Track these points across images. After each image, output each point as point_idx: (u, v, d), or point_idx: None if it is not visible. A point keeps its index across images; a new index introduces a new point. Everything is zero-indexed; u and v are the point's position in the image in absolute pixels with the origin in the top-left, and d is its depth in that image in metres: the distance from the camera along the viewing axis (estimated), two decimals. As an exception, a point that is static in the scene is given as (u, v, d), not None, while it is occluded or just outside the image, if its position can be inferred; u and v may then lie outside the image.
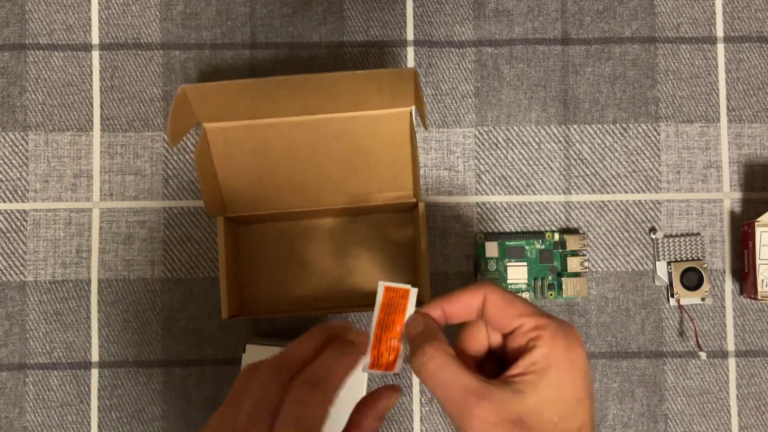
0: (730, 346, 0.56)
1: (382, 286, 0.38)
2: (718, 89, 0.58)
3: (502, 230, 0.57)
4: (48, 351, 0.56)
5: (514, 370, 0.35)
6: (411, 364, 0.36)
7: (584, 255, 0.56)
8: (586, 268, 0.56)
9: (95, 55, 0.58)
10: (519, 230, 0.57)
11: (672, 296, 0.56)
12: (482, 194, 0.57)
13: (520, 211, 0.57)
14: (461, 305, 0.37)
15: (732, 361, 0.56)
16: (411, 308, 0.38)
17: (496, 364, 0.39)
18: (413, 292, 0.38)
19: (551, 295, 0.56)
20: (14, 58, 0.58)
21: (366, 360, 0.37)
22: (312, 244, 0.56)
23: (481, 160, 0.57)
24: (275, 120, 0.51)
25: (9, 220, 0.57)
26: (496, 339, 0.38)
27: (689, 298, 0.55)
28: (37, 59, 0.58)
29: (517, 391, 0.34)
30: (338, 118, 0.51)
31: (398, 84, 0.47)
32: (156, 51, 0.58)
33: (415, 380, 0.56)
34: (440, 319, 0.38)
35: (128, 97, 0.58)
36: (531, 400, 0.34)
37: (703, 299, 0.55)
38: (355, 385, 0.51)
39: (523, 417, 0.34)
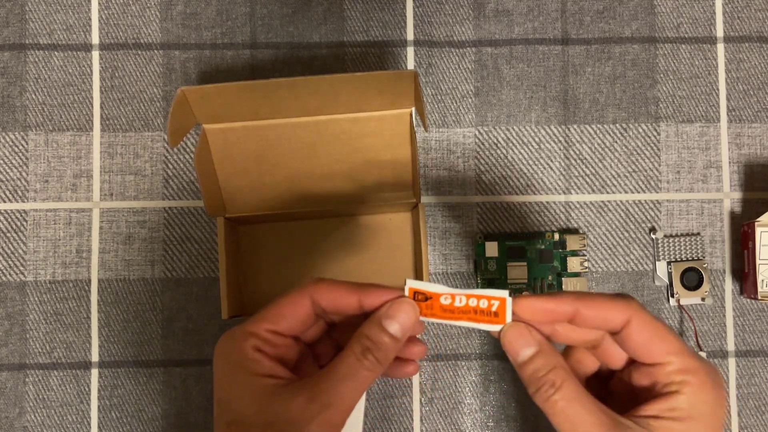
0: (730, 346, 0.56)
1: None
2: (718, 89, 0.58)
3: (502, 230, 0.57)
4: (48, 351, 0.56)
5: (648, 410, 0.32)
6: (531, 393, 0.33)
7: (584, 255, 0.56)
8: (586, 268, 0.56)
9: (95, 55, 0.58)
10: (519, 230, 0.57)
11: (672, 296, 0.56)
12: (482, 194, 0.57)
13: (520, 211, 0.57)
14: (600, 315, 0.33)
15: (732, 361, 0.56)
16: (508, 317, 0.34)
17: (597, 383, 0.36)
18: (508, 304, 0.34)
19: (551, 295, 0.55)
20: (14, 58, 0.58)
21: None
22: (312, 244, 0.56)
23: (481, 160, 0.57)
24: (275, 121, 0.51)
25: (9, 220, 0.57)
26: (618, 362, 0.35)
27: (689, 298, 0.55)
28: (37, 59, 0.58)
29: None
30: (338, 119, 0.51)
31: (398, 86, 0.47)
32: (156, 51, 0.58)
33: (415, 379, 0.56)
34: (565, 315, 0.33)
35: (128, 97, 0.58)
36: None
37: (703, 299, 0.55)
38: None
39: None
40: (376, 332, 0.35)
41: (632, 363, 0.35)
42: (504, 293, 0.34)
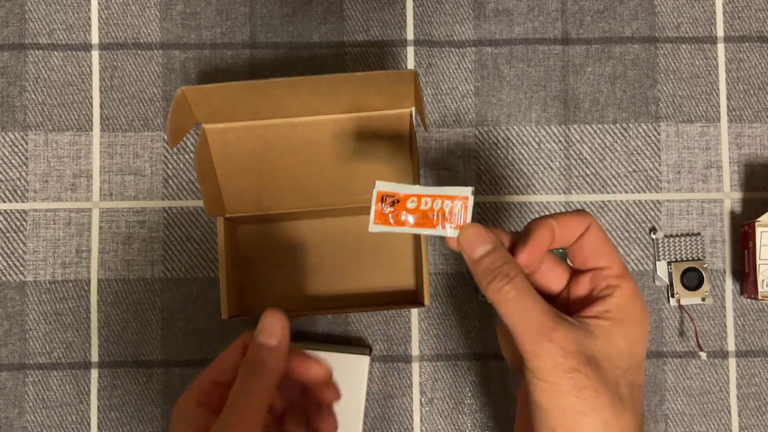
0: (731, 346, 0.56)
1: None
2: (718, 89, 0.58)
3: (501, 230, 0.57)
4: (48, 351, 0.56)
5: (587, 312, 0.35)
6: (484, 286, 0.35)
7: (584, 255, 0.56)
8: (586, 268, 0.56)
9: (95, 54, 0.58)
10: (519, 230, 0.57)
11: (672, 296, 0.56)
12: (482, 194, 0.57)
13: (520, 211, 0.57)
14: (569, 230, 0.36)
15: (732, 361, 0.56)
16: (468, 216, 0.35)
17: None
18: (470, 202, 0.35)
19: (551, 295, 0.55)
20: (14, 58, 0.58)
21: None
22: (312, 244, 0.56)
23: (481, 160, 0.57)
24: (275, 121, 0.51)
25: (9, 220, 0.57)
26: (555, 284, 0.38)
27: (689, 298, 0.55)
28: (36, 59, 0.58)
29: (590, 332, 0.35)
30: (338, 119, 0.50)
31: (398, 85, 0.47)
32: (156, 51, 0.58)
33: (415, 380, 0.56)
34: (551, 242, 0.36)
35: (128, 97, 0.58)
36: (603, 344, 0.35)
37: (703, 299, 0.55)
38: (357, 371, 0.51)
39: (596, 356, 0.34)
40: (251, 348, 0.37)
41: (569, 281, 0.38)
42: (467, 191, 0.35)
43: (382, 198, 0.36)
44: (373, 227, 0.36)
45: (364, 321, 0.56)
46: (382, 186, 0.36)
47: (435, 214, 0.35)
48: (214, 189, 0.51)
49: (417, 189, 0.35)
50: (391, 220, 0.36)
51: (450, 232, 0.35)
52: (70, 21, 0.58)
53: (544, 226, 0.36)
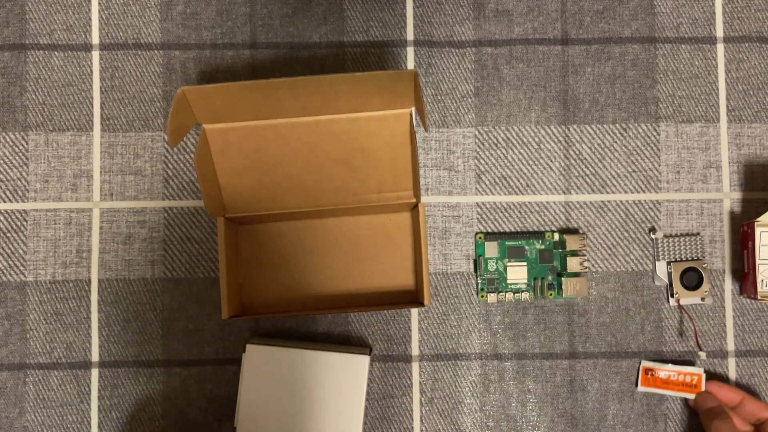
0: (730, 346, 0.56)
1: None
2: (717, 89, 0.58)
3: (502, 230, 0.57)
4: (48, 351, 0.56)
5: None
6: (710, 425, 0.51)
7: (584, 255, 0.56)
8: (585, 268, 0.56)
9: (95, 55, 0.58)
10: (519, 230, 0.57)
11: (672, 296, 0.56)
12: (482, 194, 0.57)
13: (520, 211, 0.57)
14: (756, 410, 0.53)
15: (732, 361, 0.56)
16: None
17: None
18: (703, 378, 0.54)
19: (551, 295, 0.56)
20: (14, 58, 0.58)
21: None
22: (312, 244, 0.56)
23: (481, 160, 0.57)
24: (275, 121, 0.51)
25: (9, 220, 0.57)
26: None
27: (689, 298, 0.55)
28: (37, 59, 0.58)
29: None
30: (338, 119, 0.51)
31: (398, 85, 0.47)
32: (156, 51, 0.58)
33: (415, 380, 0.56)
34: (735, 401, 0.53)
35: (128, 97, 0.58)
36: None
37: (702, 299, 0.55)
38: (357, 371, 0.51)
39: None
40: None
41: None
42: (699, 371, 0.54)
43: (645, 370, 0.55)
44: (641, 388, 0.55)
45: (364, 321, 0.56)
46: (646, 364, 0.55)
47: (680, 383, 0.54)
48: (215, 189, 0.51)
49: (670, 367, 0.55)
50: (656, 385, 0.55)
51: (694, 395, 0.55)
52: (71, 21, 0.58)
53: (739, 391, 0.54)
